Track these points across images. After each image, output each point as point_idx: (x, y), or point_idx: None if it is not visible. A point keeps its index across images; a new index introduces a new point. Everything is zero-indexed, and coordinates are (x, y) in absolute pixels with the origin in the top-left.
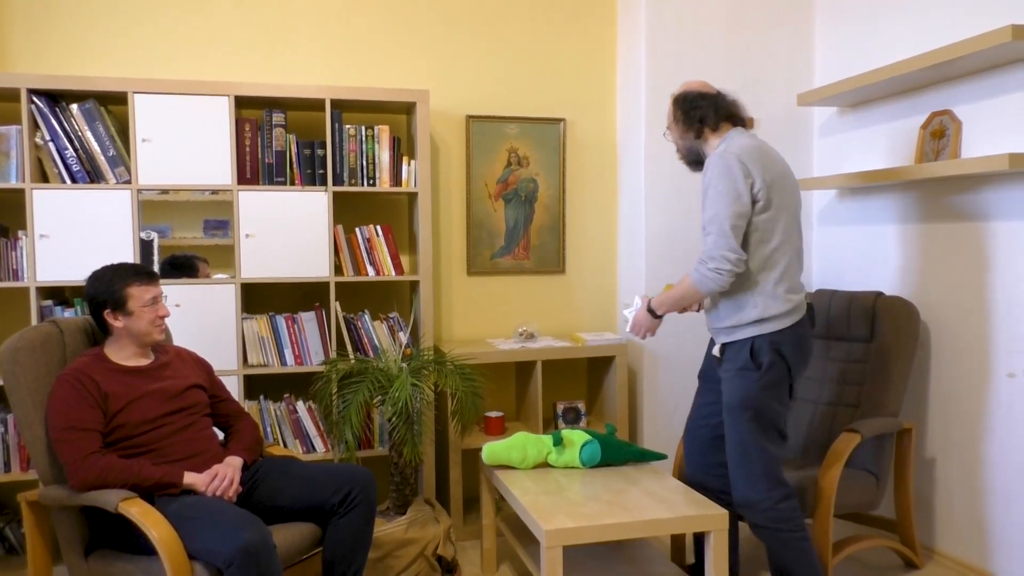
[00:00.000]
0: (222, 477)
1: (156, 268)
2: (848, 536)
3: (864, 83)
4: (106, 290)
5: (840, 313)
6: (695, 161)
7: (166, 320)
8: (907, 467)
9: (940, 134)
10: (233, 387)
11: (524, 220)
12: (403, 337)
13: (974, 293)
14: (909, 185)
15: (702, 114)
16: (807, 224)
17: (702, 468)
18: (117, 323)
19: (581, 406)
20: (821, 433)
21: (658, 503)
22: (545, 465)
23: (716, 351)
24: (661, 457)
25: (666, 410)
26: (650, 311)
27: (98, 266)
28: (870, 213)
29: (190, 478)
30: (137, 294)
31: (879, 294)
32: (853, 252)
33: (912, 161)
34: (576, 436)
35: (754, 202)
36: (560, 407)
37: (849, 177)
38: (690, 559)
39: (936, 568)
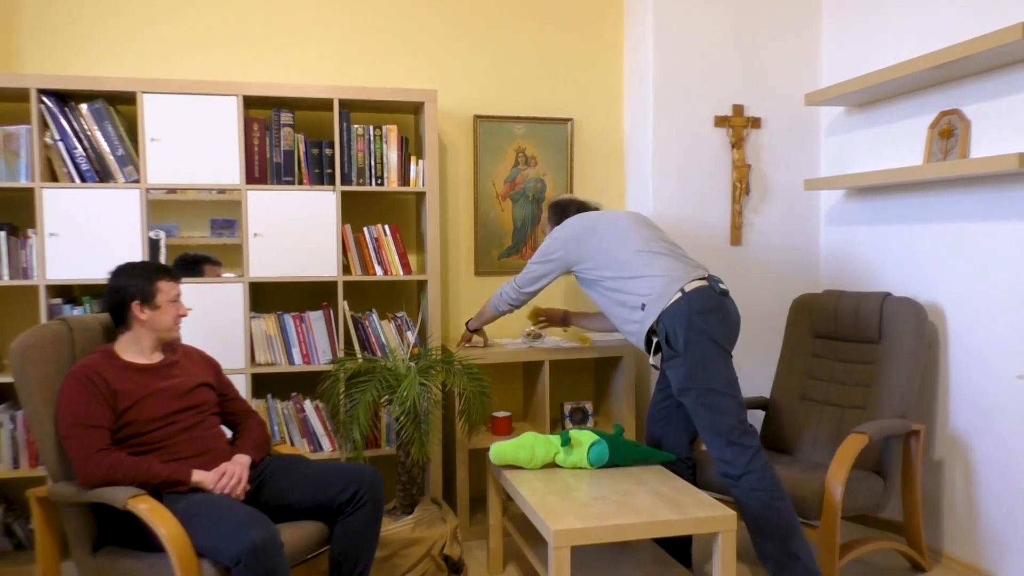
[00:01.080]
0: (230, 475)
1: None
2: (855, 538)
3: (872, 82)
4: (136, 283)
5: (848, 314)
6: None
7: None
8: (914, 469)
9: (948, 134)
10: (241, 386)
11: (531, 220)
12: (411, 336)
13: (983, 294)
14: (917, 185)
15: (569, 213)
16: (814, 224)
17: (672, 440)
18: (142, 315)
19: (588, 406)
20: (828, 434)
21: (666, 504)
22: (553, 465)
23: (653, 360)
24: (669, 458)
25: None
26: (468, 328)
27: (109, 265)
28: (878, 213)
29: (198, 476)
30: (165, 289)
31: (887, 295)
32: (861, 253)
33: (920, 161)
34: (584, 436)
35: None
36: (567, 407)
37: (857, 177)
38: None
39: (943, 571)
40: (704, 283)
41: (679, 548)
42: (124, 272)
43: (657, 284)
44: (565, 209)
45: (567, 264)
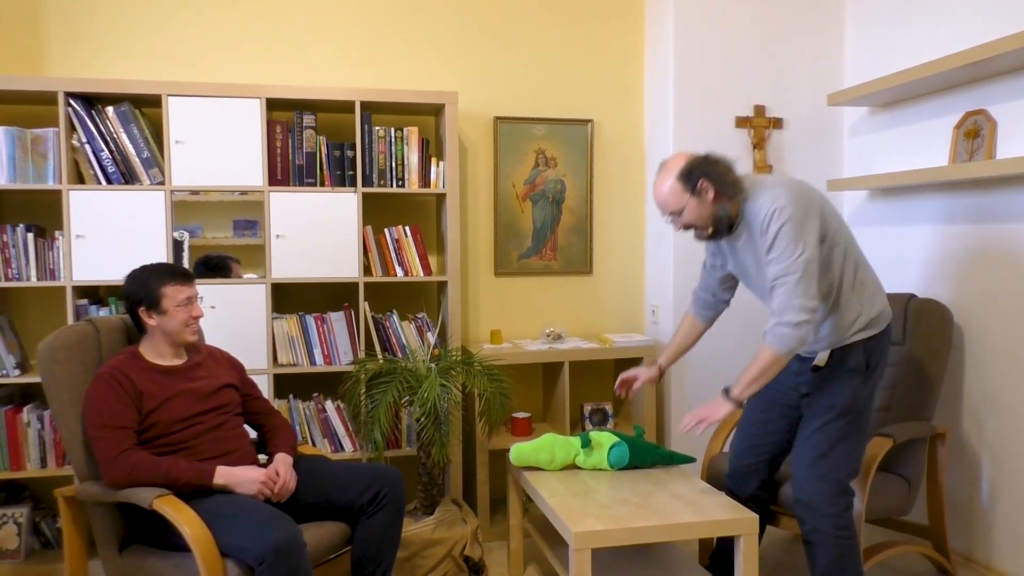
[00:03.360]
0: (283, 481)
1: (186, 265)
2: (880, 542)
3: (896, 83)
4: (142, 288)
5: None
6: (728, 227)
7: (199, 320)
8: (940, 472)
9: (974, 134)
10: (263, 386)
11: (551, 221)
12: (431, 337)
13: (1009, 295)
14: (942, 186)
15: (732, 176)
16: None
17: (755, 483)
18: (151, 321)
19: (608, 408)
20: None
21: (687, 506)
22: (573, 467)
23: (820, 360)
24: (690, 460)
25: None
26: (731, 398)
27: (134, 265)
28: (902, 214)
29: (221, 475)
30: (171, 293)
31: (912, 296)
32: (885, 254)
33: (945, 162)
34: (604, 438)
35: (823, 238)
36: (587, 408)
37: (881, 178)
38: (703, 559)
39: (969, 575)
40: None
41: (725, 563)
42: (133, 277)
43: (878, 307)
44: (713, 163)
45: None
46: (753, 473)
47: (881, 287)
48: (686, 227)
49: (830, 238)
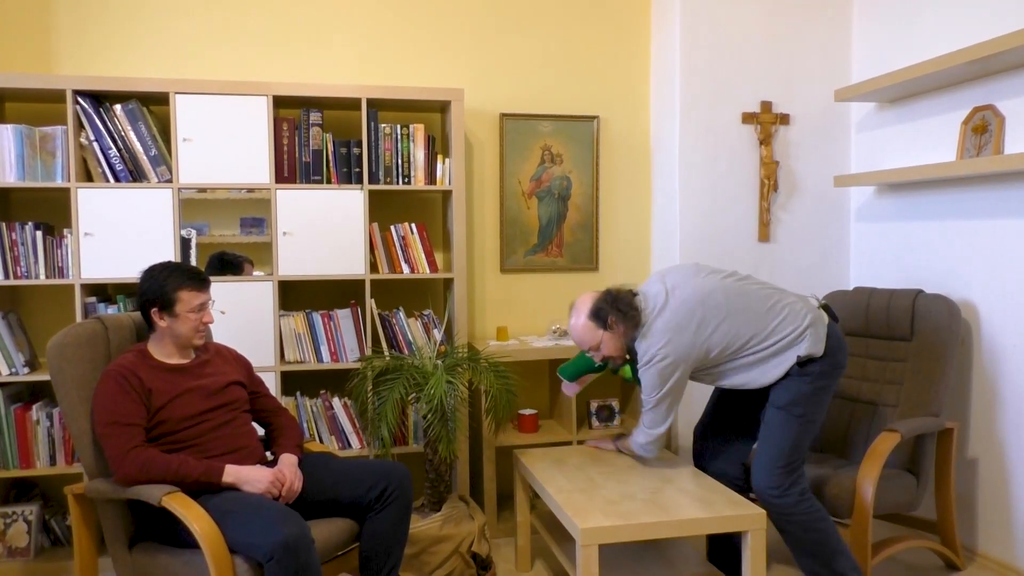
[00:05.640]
0: (289, 484)
1: (193, 263)
2: (888, 537)
3: (904, 78)
4: (158, 289)
5: (879, 311)
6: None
7: (208, 325)
8: (948, 467)
9: (982, 129)
10: (270, 383)
11: (557, 217)
12: (437, 334)
13: (1017, 291)
14: (950, 182)
15: (631, 303)
16: (844, 221)
17: (726, 460)
18: (162, 322)
19: (615, 404)
20: (860, 432)
21: (695, 502)
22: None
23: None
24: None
25: (699, 405)
26: (616, 446)
27: (142, 263)
28: (910, 210)
29: (231, 472)
30: (186, 299)
31: (919, 292)
32: (892, 250)
33: (953, 157)
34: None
35: (711, 349)
36: (593, 405)
37: (888, 173)
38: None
39: (978, 570)
40: (827, 318)
41: (730, 558)
42: (150, 276)
43: (808, 341)
44: (616, 300)
45: (690, 370)
46: (717, 450)
47: (799, 326)
48: (605, 359)
49: (722, 341)
